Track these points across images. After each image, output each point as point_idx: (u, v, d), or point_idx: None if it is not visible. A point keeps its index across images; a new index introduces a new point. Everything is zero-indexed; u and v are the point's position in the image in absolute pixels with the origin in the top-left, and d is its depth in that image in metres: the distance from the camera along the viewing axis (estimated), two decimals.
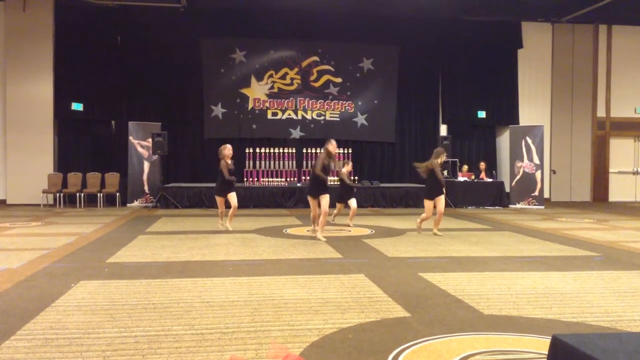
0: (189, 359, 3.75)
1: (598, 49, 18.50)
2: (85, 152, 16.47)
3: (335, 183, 12.45)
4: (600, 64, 18.51)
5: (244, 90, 17.09)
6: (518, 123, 17.53)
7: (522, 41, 17.90)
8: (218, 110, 16.88)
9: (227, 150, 10.17)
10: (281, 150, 16.53)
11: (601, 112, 18.54)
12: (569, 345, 2.53)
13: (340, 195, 11.43)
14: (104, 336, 4.19)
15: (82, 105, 16.14)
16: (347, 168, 11.61)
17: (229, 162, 10.13)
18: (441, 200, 9.74)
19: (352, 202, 11.25)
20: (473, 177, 16.40)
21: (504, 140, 18.00)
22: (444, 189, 9.87)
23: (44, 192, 15.05)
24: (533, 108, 18.17)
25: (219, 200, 10.46)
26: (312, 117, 17.30)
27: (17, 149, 15.57)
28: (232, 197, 10.18)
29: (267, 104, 17.16)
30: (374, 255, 7.80)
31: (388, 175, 17.61)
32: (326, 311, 4.89)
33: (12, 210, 14.25)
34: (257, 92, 17.15)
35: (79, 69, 16.01)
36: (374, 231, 10.37)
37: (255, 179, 16.13)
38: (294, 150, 16.62)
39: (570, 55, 18.31)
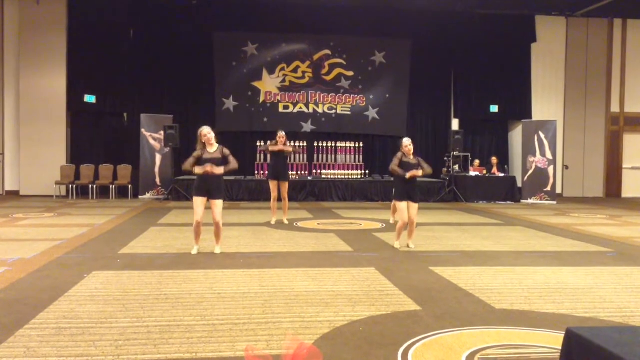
0: (201, 349, 3.78)
1: (612, 44, 18.28)
2: (98, 144, 16.56)
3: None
4: (614, 59, 18.30)
5: (256, 84, 17.08)
6: (531, 118, 17.37)
7: (535, 35, 17.71)
8: (230, 103, 16.90)
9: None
10: (292, 144, 16.47)
11: (615, 108, 18.35)
12: (584, 338, 2.52)
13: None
14: (117, 326, 4.22)
15: (94, 97, 16.22)
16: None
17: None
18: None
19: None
20: (485, 171, 16.30)
21: (516, 135, 17.87)
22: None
23: (56, 183, 15.16)
24: (546, 103, 18.00)
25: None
26: (323, 110, 17.26)
27: (30, 141, 15.66)
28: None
29: (278, 97, 17.14)
30: (385, 248, 7.79)
31: None
32: (337, 304, 4.89)
33: (26, 201, 14.37)
34: (268, 85, 17.13)
35: (92, 61, 16.04)
36: (384, 225, 10.35)
37: (267, 172, 16.12)
38: (305, 144, 16.57)
39: (584, 50, 18.11)
